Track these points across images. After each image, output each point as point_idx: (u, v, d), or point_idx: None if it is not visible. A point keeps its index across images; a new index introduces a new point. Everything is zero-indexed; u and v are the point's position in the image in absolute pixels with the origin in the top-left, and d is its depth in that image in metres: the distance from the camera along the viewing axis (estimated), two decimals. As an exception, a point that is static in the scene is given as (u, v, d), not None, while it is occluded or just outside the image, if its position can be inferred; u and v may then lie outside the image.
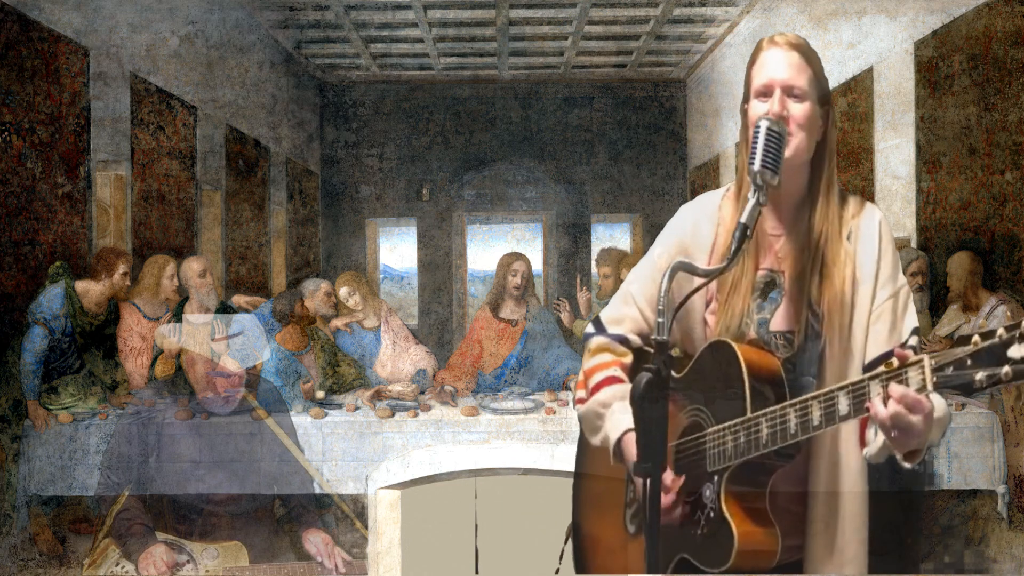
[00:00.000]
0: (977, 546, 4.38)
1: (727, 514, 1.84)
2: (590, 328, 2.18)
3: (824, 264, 1.92)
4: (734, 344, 1.87)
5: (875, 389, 1.63)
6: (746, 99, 1.96)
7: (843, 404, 1.69)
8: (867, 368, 1.91)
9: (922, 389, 1.58)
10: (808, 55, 1.92)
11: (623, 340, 2.11)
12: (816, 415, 1.73)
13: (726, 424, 1.86)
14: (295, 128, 7.25)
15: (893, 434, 1.64)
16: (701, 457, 1.90)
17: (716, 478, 1.87)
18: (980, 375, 1.48)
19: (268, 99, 6.93)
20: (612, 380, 2.06)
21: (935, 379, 1.55)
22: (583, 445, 2.21)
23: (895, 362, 1.64)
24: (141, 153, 5.81)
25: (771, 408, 1.80)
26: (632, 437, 1.83)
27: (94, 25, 5.53)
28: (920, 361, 1.58)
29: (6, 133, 4.81)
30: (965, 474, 4.30)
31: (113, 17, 5.62)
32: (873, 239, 1.94)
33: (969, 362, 1.50)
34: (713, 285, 1.94)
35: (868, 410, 1.65)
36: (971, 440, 4.30)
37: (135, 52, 5.77)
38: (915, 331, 1.92)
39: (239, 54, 6.51)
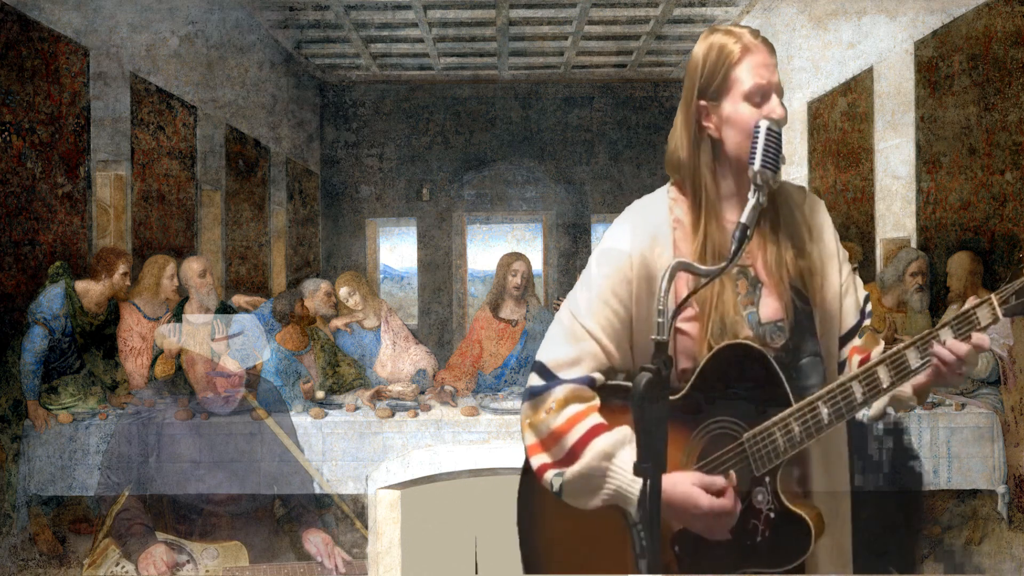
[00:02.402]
0: (977, 546, 4.38)
1: (792, 507, 1.84)
2: (536, 380, 1.94)
3: (797, 249, 1.95)
4: (750, 343, 1.86)
5: (946, 336, 1.79)
6: (712, 97, 1.90)
7: (912, 359, 1.80)
8: (843, 339, 1.98)
9: (995, 321, 1.80)
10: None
11: (590, 382, 1.92)
12: (885, 377, 1.81)
13: (773, 421, 1.83)
14: (295, 128, 7.25)
15: (963, 370, 1.79)
16: (744, 466, 1.85)
17: (768, 479, 1.84)
18: None
19: (268, 99, 6.93)
20: (600, 429, 1.88)
21: (1003, 310, 1.79)
22: (540, 509, 1.98)
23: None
24: (141, 153, 5.81)
25: (831, 387, 1.83)
26: (670, 477, 1.79)
27: (94, 25, 5.53)
28: (989, 300, 1.80)
29: (6, 133, 4.81)
30: (965, 474, 4.30)
31: (113, 17, 5.61)
32: (826, 218, 2.01)
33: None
34: (678, 295, 1.87)
35: (936, 357, 1.78)
36: (971, 440, 4.30)
37: (135, 52, 5.76)
38: (867, 299, 2.02)
39: (239, 54, 6.51)
